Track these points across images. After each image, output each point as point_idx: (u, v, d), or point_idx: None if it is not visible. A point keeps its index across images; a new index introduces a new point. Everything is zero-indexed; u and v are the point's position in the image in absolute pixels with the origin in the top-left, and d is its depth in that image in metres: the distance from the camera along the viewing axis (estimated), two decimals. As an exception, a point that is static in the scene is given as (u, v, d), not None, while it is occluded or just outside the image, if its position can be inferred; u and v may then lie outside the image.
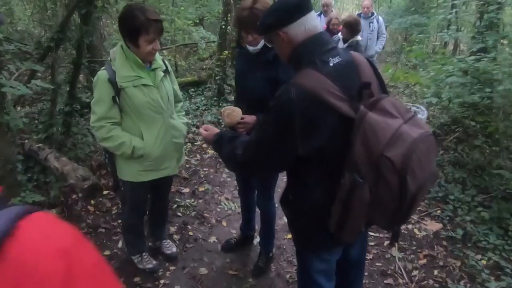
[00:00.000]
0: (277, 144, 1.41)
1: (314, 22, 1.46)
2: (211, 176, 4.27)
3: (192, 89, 6.84)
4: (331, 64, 1.40)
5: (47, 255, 0.45)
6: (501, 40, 4.22)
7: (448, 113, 5.43)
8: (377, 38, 6.31)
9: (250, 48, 2.21)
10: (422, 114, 1.88)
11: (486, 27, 3.88)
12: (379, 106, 1.38)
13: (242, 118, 2.15)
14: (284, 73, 2.18)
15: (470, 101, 3.55)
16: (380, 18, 6.38)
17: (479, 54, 3.52)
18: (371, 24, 6.25)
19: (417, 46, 9.98)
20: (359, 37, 4.65)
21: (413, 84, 6.46)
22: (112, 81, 2.10)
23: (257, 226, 3.04)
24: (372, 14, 6.27)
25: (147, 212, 2.78)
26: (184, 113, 2.67)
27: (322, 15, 6.16)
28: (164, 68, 2.35)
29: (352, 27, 4.50)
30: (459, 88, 3.95)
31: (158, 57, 2.30)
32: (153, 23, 2.05)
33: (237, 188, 3.02)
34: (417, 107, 2.04)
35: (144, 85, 2.19)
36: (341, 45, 4.65)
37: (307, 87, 1.34)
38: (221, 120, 5.06)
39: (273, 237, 2.90)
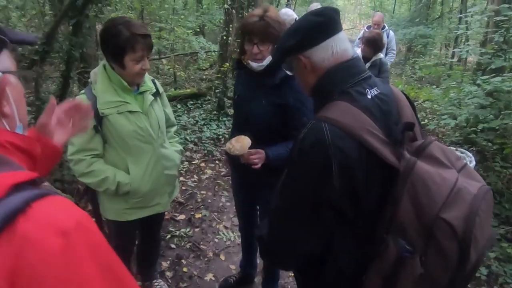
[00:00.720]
0: (312, 204, 1.11)
1: (344, 45, 1.19)
2: (209, 200, 3.94)
3: (191, 102, 6.54)
4: (369, 97, 1.14)
5: (49, 233, 0.51)
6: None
7: (460, 132, 5.15)
8: (386, 54, 5.80)
9: (254, 64, 1.91)
10: (470, 162, 1.55)
11: (508, 44, 3.60)
12: (426, 153, 1.12)
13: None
14: (295, 98, 1.92)
15: (497, 128, 3.24)
16: (391, 33, 5.94)
17: (503, 74, 3.23)
18: None
19: (423, 59, 9.75)
20: (381, 55, 4.19)
21: (422, 100, 6.16)
22: (93, 108, 1.79)
23: (259, 260, 2.75)
24: (383, 27, 5.80)
25: (136, 248, 2.46)
26: (177, 138, 2.35)
27: None
28: (154, 90, 2.03)
29: (375, 44, 4.04)
30: (478, 109, 3.65)
31: (147, 78, 1.99)
32: (140, 39, 1.74)
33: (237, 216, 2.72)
34: (462, 152, 1.69)
35: (131, 111, 1.87)
36: None
37: (344, 125, 1.07)
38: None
39: (277, 279, 2.59)
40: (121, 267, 0.61)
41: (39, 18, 6.57)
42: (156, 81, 2.12)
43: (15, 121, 0.70)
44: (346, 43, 1.21)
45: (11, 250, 0.49)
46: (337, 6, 18.95)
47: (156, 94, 2.05)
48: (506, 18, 3.30)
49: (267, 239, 1.23)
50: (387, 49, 5.77)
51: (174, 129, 2.32)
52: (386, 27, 5.87)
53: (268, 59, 1.90)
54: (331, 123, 1.07)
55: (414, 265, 1.03)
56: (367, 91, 1.15)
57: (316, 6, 4.93)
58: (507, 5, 3.48)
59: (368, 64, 4.02)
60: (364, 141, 1.06)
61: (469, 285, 2.87)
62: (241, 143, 1.87)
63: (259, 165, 1.89)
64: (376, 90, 1.18)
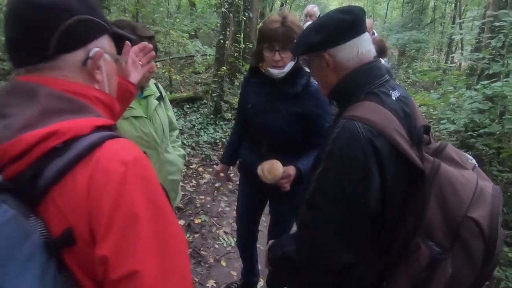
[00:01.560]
0: (352, 206, 1.06)
1: (368, 46, 1.19)
2: (208, 206, 3.90)
3: (187, 106, 6.50)
4: (393, 98, 1.15)
5: (114, 161, 0.70)
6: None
7: (457, 136, 5.19)
8: None
9: (275, 71, 1.83)
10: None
11: (502, 48, 3.64)
12: (445, 155, 1.14)
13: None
14: (316, 105, 1.86)
15: (497, 132, 3.27)
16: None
17: (505, 80, 3.26)
18: None
19: (417, 64, 9.85)
20: (383, 60, 4.17)
21: (418, 105, 6.20)
22: None
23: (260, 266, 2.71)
24: (373, 34, 5.62)
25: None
26: (180, 143, 2.31)
27: None
28: (158, 94, 2.00)
29: (380, 49, 3.60)
30: (476, 114, 3.68)
31: (151, 82, 1.96)
32: (146, 42, 1.71)
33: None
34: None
35: (135, 117, 1.83)
36: None
37: (376, 124, 1.05)
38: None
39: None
40: (165, 202, 0.75)
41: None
42: (159, 84, 2.08)
43: (104, 87, 0.88)
44: (370, 44, 1.20)
45: (87, 170, 0.69)
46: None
47: (160, 98, 2.01)
48: (505, 23, 3.34)
49: (297, 255, 1.16)
50: None
51: (176, 133, 2.28)
52: (376, 34, 5.67)
53: (289, 66, 1.83)
54: (363, 122, 1.05)
55: (447, 267, 1.03)
56: (391, 93, 1.16)
57: (312, 7, 4.85)
58: (505, 11, 3.53)
59: None
60: (395, 142, 1.05)
61: (471, 290, 2.88)
62: (273, 174, 1.75)
63: (289, 187, 1.80)
64: (397, 93, 1.18)
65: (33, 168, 0.68)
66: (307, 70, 1.44)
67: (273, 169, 1.75)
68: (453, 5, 11.13)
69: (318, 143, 1.98)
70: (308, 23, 4.93)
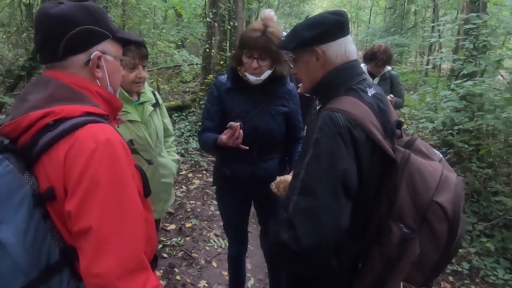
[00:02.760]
0: (340, 185, 1.11)
1: (352, 46, 1.31)
2: (198, 210, 3.99)
3: (176, 114, 6.59)
4: (370, 95, 1.26)
5: (89, 139, 0.89)
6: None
7: (438, 135, 5.36)
8: None
9: (252, 78, 1.90)
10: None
11: (478, 50, 3.82)
12: (415, 147, 1.26)
13: None
14: (294, 102, 2.01)
15: (471, 128, 3.43)
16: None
17: (474, 78, 3.44)
18: None
19: (400, 67, 10.09)
20: (389, 67, 3.69)
21: (401, 106, 6.37)
22: None
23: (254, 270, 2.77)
24: None
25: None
26: (174, 148, 2.41)
27: None
28: (154, 101, 2.10)
29: (374, 56, 3.51)
30: (453, 112, 3.84)
31: (147, 89, 2.06)
32: (132, 47, 1.80)
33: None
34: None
35: (130, 121, 1.93)
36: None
37: (355, 116, 1.15)
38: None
39: None
40: (127, 178, 0.92)
41: (17, 35, 6.55)
42: (156, 92, 2.18)
43: (106, 84, 1.06)
44: (353, 45, 1.32)
45: (68, 143, 0.88)
46: (315, 18, 19.42)
47: (156, 105, 2.11)
48: (475, 26, 3.53)
49: (294, 242, 1.13)
50: None
51: (171, 139, 2.38)
52: None
53: (266, 74, 1.90)
54: (343, 114, 1.15)
55: (415, 246, 1.12)
56: (368, 90, 1.27)
57: (269, 12, 4.55)
58: (474, 14, 3.72)
59: (376, 80, 3.58)
60: (370, 132, 1.16)
61: (452, 280, 3.01)
62: (286, 190, 1.65)
63: None
64: (373, 90, 1.30)
65: (33, 138, 0.90)
66: (291, 66, 1.49)
67: (288, 187, 1.62)
68: (432, 9, 11.46)
69: (297, 136, 2.13)
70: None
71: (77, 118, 0.92)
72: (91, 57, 1.01)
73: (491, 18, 4.28)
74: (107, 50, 1.05)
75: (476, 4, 4.91)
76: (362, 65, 3.45)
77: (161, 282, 2.88)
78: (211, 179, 4.65)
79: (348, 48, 1.29)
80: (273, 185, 1.64)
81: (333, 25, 1.26)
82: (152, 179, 2.06)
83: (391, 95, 3.42)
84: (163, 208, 2.23)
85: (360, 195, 1.18)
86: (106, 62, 1.05)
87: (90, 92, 1.01)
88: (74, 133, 0.89)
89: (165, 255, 3.20)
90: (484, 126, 3.73)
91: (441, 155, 1.43)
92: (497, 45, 4.61)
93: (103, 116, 0.99)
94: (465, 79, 3.49)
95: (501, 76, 3.75)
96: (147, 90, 2.06)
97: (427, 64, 8.87)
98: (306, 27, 1.29)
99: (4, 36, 6.72)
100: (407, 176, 1.15)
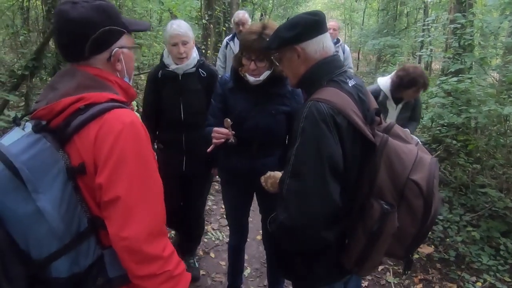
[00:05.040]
0: (328, 167, 1.23)
1: (329, 42, 1.43)
2: (196, 204, 4.11)
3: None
4: (350, 85, 1.37)
5: (117, 121, 1.01)
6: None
7: (428, 132, 5.51)
8: None
9: (251, 78, 1.97)
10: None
11: (463, 48, 3.99)
12: (393, 132, 1.39)
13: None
14: (298, 102, 2.06)
15: (455, 122, 3.58)
16: (347, 48, 5.04)
17: (460, 75, 3.59)
18: None
19: (392, 67, 10.26)
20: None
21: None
22: None
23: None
24: (338, 41, 4.94)
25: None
26: None
27: (235, 38, 4.43)
28: None
29: (424, 83, 2.87)
30: (441, 108, 4.00)
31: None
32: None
33: (227, 225, 2.63)
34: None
35: None
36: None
37: (337, 104, 1.27)
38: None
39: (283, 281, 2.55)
40: (150, 156, 1.06)
41: (13, 39, 6.65)
42: None
43: (124, 74, 1.21)
44: (330, 41, 1.45)
45: (97, 125, 1.01)
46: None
47: None
48: (459, 25, 3.68)
49: (290, 220, 1.26)
50: None
51: None
52: (341, 41, 5.05)
53: (265, 75, 1.95)
54: (326, 103, 1.27)
55: (394, 219, 1.25)
56: (348, 81, 1.39)
57: (243, 14, 4.43)
58: (459, 14, 3.88)
59: (399, 106, 3.03)
60: (351, 119, 1.27)
61: (439, 267, 3.15)
62: (274, 186, 1.74)
63: None
64: (353, 81, 1.41)
65: (66, 120, 1.03)
66: (277, 65, 1.58)
67: (275, 183, 1.76)
68: (423, 11, 11.69)
69: None
70: (236, 39, 4.39)
71: (104, 104, 1.04)
72: (112, 53, 1.13)
73: (475, 18, 4.45)
74: (124, 44, 1.18)
75: (463, 5, 5.08)
76: (383, 86, 2.99)
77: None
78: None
79: (325, 44, 1.40)
80: (262, 179, 1.75)
81: (310, 25, 1.38)
82: None
83: (408, 130, 2.52)
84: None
85: (345, 176, 1.30)
86: (123, 55, 1.17)
87: (111, 82, 1.14)
88: (102, 116, 1.01)
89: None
90: (472, 121, 3.88)
91: (417, 139, 1.58)
92: (488, 44, 4.75)
93: (124, 102, 1.13)
94: (450, 76, 3.65)
95: (486, 73, 3.89)
96: None
97: (419, 63, 9.05)
98: (286, 28, 1.40)
99: (1, 39, 6.82)
100: (385, 157, 1.27)
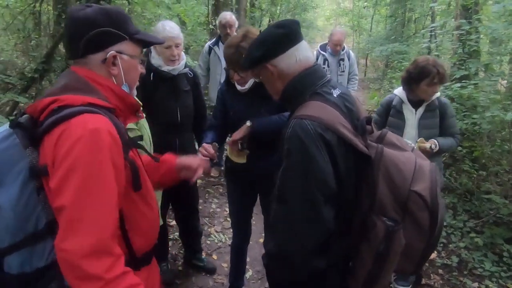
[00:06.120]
0: (315, 192, 1.16)
1: (306, 53, 1.34)
2: (200, 207, 4.13)
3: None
4: (335, 95, 1.29)
5: (79, 127, 0.98)
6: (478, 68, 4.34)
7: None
8: (348, 80, 4.91)
9: (238, 87, 2.10)
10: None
11: (468, 55, 3.99)
12: (386, 140, 1.31)
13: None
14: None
15: (460, 128, 3.58)
16: (352, 54, 4.93)
17: (464, 81, 3.59)
18: (341, 63, 4.76)
19: (400, 73, 10.25)
20: (438, 93, 2.64)
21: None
22: None
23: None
24: (343, 48, 4.76)
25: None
26: None
27: (219, 43, 4.22)
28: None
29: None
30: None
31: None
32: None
33: (229, 221, 2.76)
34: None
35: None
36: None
37: (323, 120, 1.17)
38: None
39: None
40: (106, 168, 1.00)
41: (25, 43, 6.79)
42: None
43: (121, 81, 1.18)
44: (308, 51, 1.35)
45: (62, 128, 0.99)
46: (316, 26, 19.61)
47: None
48: (463, 31, 3.69)
49: (277, 248, 1.23)
50: (348, 74, 4.88)
51: None
52: (346, 48, 4.84)
53: (250, 83, 2.03)
54: (311, 119, 1.17)
55: (400, 237, 1.16)
56: (332, 91, 1.29)
57: (230, 16, 4.18)
58: (464, 20, 3.89)
59: (421, 110, 2.59)
60: (340, 133, 1.18)
61: (442, 272, 3.14)
62: (239, 158, 2.14)
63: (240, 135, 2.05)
64: (338, 91, 1.32)
65: (43, 120, 1.04)
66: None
67: (239, 155, 2.10)
68: (431, 18, 11.67)
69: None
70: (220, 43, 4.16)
71: (76, 107, 1.02)
72: (107, 56, 1.12)
73: (480, 25, 4.45)
74: (124, 50, 1.16)
75: (469, 11, 5.09)
76: (397, 91, 2.70)
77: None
78: (212, 179, 4.82)
79: (299, 56, 1.30)
80: (228, 151, 1.96)
81: (277, 40, 1.28)
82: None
83: (435, 141, 2.46)
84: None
85: (341, 195, 1.22)
86: (122, 61, 1.16)
87: (101, 86, 1.12)
88: (70, 120, 1.00)
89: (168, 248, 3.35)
90: (476, 127, 3.87)
91: (413, 145, 1.55)
92: (497, 51, 4.72)
93: (108, 109, 1.10)
94: (454, 81, 3.66)
95: (491, 79, 3.88)
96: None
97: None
98: (255, 46, 1.33)
99: (13, 43, 6.97)
100: (383, 170, 1.18)
